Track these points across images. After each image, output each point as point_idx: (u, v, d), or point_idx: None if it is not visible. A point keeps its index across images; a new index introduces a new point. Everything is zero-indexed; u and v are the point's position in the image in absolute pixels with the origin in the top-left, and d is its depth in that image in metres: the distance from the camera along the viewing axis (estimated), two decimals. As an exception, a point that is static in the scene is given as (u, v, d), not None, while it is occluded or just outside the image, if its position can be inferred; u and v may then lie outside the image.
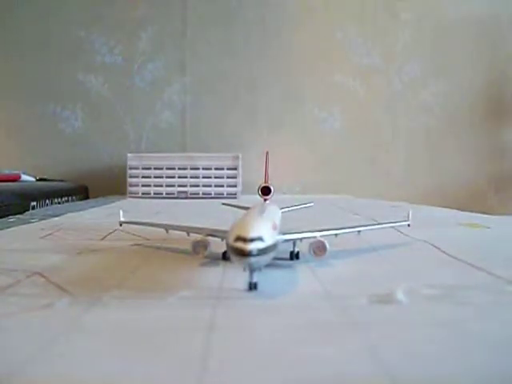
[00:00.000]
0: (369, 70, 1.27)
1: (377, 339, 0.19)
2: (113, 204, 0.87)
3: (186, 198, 1.07)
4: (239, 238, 0.24)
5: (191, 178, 1.08)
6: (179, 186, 1.08)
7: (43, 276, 0.30)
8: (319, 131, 1.25)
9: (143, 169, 1.09)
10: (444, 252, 0.36)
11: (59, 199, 0.94)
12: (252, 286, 0.26)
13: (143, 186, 1.08)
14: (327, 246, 0.31)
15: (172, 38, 1.25)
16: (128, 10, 1.24)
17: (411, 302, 0.24)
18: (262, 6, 1.25)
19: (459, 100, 1.29)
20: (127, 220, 0.41)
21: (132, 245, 0.41)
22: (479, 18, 1.28)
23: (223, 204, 0.62)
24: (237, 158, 1.08)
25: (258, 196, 0.46)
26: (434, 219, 0.62)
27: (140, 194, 1.07)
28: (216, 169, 1.08)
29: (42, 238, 0.45)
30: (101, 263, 0.34)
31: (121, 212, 0.40)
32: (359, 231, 0.36)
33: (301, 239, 0.33)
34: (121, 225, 0.41)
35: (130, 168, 1.09)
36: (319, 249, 0.31)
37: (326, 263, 0.33)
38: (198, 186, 1.08)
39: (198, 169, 1.08)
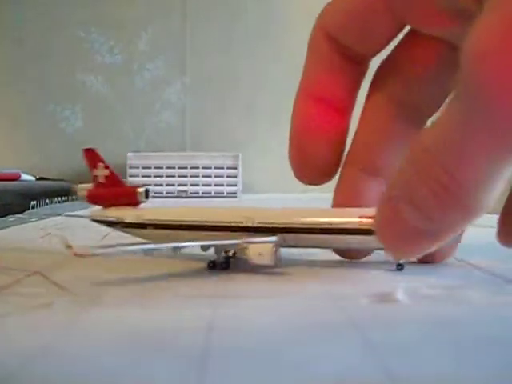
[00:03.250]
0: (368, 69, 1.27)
1: (377, 339, 0.19)
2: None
3: (186, 197, 1.07)
4: None
5: (191, 177, 1.08)
6: (179, 185, 1.08)
7: (43, 275, 0.30)
8: (319, 131, 1.25)
9: (143, 168, 1.09)
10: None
11: (59, 199, 0.94)
12: None
13: (143, 185, 1.08)
14: None
15: (172, 37, 1.25)
16: (128, 10, 1.24)
17: (411, 301, 0.24)
18: (263, 5, 1.25)
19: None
20: None
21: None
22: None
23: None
24: (237, 157, 1.08)
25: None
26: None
27: (140, 194, 1.07)
28: (216, 168, 1.08)
29: (41, 237, 0.45)
30: (101, 263, 0.34)
31: None
32: None
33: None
34: None
35: (130, 167, 1.09)
36: None
37: (325, 263, 0.34)
38: (197, 185, 1.08)
39: (197, 168, 1.08)
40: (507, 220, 0.24)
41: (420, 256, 0.24)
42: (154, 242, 0.31)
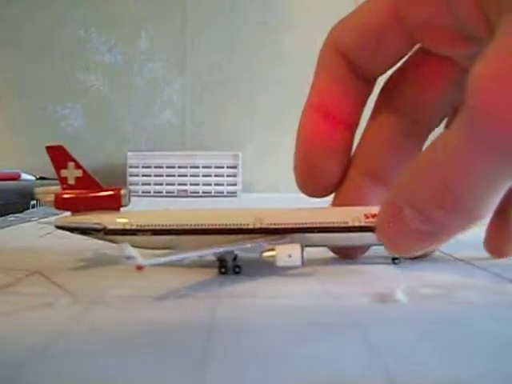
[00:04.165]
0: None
1: (376, 338, 0.19)
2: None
3: (186, 196, 1.07)
4: None
5: (191, 176, 1.08)
6: (179, 184, 1.08)
7: (43, 275, 0.30)
8: (319, 130, 1.25)
9: (143, 167, 1.09)
10: (443, 251, 0.36)
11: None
12: None
13: (143, 184, 1.08)
14: None
15: (172, 36, 1.25)
16: (128, 10, 1.24)
17: (411, 301, 0.24)
18: (263, 5, 1.25)
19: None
20: None
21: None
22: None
23: None
24: (237, 156, 1.08)
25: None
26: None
27: (140, 193, 1.07)
28: (216, 167, 1.08)
29: (41, 236, 0.45)
30: (101, 262, 0.34)
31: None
32: None
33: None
34: None
35: (130, 167, 1.09)
36: None
37: (326, 262, 0.34)
38: (197, 184, 1.08)
39: (197, 167, 1.08)
40: (494, 230, 0.25)
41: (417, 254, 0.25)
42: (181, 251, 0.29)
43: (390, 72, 0.31)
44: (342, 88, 0.30)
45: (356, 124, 0.31)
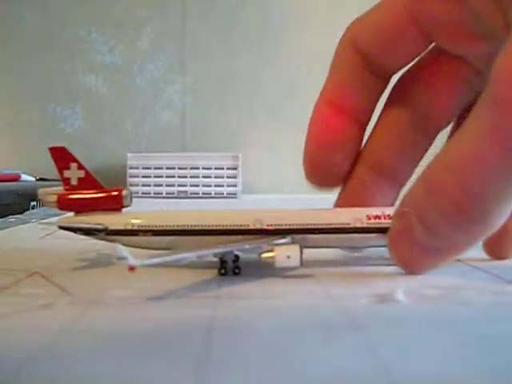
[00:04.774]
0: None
1: (377, 339, 0.19)
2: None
3: (186, 197, 1.07)
4: None
5: (191, 177, 1.08)
6: (179, 185, 1.08)
7: (43, 276, 0.30)
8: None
9: (143, 168, 1.09)
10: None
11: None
12: None
13: (143, 185, 1.08)
14: None
15: (172, 37, 1.25)
16: (128, 10, 1.24)
17: (411, 301, 0.24)
18: (263, 5, 1.25)
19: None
20: None
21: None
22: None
23: None
24: (237, 157, 1.08)
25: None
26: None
27: (140, 194, 1.07)
28: (216, 168, 1.08)
29: (41, 237, 0.45)
30: (101, 263, 0.34)
31: None
32: None
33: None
34: None
35: (131, 168, 1.09)
36: None
37: (325, 263, 0.34)
38: (197, 185, 1.08)
39: (197, 168, 1.08)
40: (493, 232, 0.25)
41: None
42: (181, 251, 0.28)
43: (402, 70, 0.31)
44: (357, 84, 0.30)
45: (367, 120, 0.31)
